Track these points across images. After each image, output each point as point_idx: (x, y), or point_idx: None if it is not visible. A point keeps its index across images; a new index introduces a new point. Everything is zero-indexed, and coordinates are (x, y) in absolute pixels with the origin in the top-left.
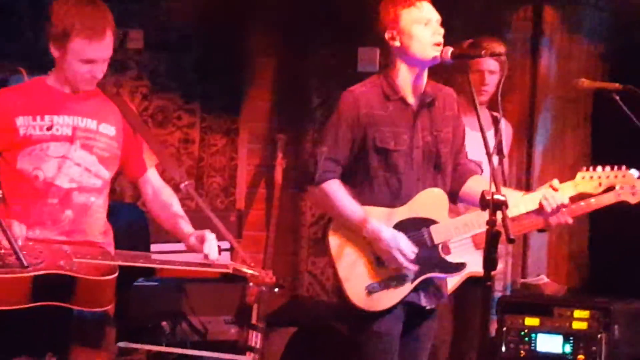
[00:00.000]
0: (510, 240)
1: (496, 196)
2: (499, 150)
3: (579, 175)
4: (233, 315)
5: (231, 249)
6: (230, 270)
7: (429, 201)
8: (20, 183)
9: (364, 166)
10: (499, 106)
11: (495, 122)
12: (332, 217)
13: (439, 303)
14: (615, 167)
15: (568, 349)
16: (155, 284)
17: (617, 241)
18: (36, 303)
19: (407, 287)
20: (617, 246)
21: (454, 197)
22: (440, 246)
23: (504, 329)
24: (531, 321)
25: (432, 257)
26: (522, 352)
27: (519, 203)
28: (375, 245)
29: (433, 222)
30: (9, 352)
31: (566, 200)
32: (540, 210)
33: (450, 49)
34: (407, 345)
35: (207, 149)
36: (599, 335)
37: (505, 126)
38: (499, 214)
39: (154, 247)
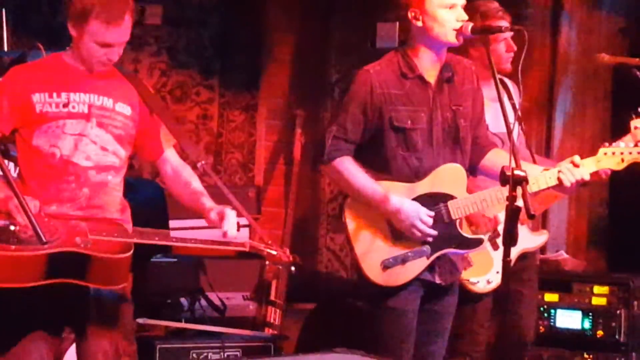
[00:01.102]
0: (531, 216)
1: (516, 172)
2: (515, 113)
3: (601, 151)
4: (251, 292)
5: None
6: (247, 249)
7: (448, 176)
8: (36, 160)
9: (382, 146)
10: (519, 80)
11: (504, 85)
12: (347, 193)
13: (454, 280)
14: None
15: (587, 324)
16: (174, 260)
17: (637, 217)
18: (51, 280)
19: (424, 263)
20: (636, 222)
21: (473, 169)
22: (457, 221)
23: None
24: (550, 297)
25: (449, 233)
26: (541, 327)
27: (538, 178)
28: (395, 219)
29: (451, 197)
30: (25, 327)
31: (587, 176)
32: (559, 185)
33: (470, 24)
34: (426, 321)
35: (225, 125)
36: (618, 311)
37: (513, 87)
38: (519, 190)
39: (172, 223)
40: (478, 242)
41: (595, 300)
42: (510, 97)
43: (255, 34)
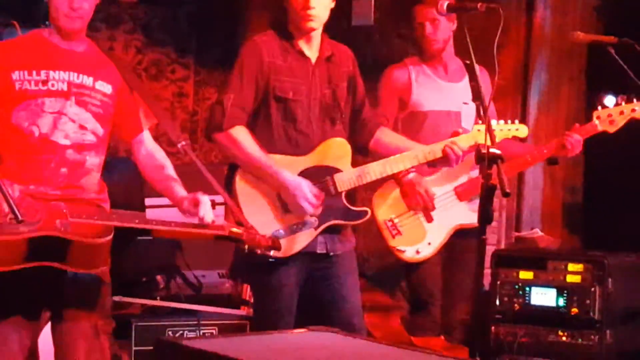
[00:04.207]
0: (505, 194)
1: (492, 150)
2: (477, 96)
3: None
4: (227, 270)
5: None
6: (226, 233)
7: (333, 151)
8: (15, 138)
9: (265, 114)
10: (495, 59)
11: (469, 69)
12: (238, 163)
13: (345, 249)
14: None
15: (562, 302)
16: (150, 238)
17: (612, 195)
18: (31, 263)
19: (312, 234)
20: (611, 199)
21: (364, 150)
22: (343, 194)
23: (498, 282)
24: (525, 274)
25: (335, 205)
26: (516, 305)
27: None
28: (285, 193)
29: (337, 170)
30: (4, 312)
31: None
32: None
33: (446, 2)
34: (327, 290)
35: (201, 102)
36: (592, 289)
37: (480, 72)
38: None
39: (148, 201)
40: (363, 214)
41: (570, 278)
42: (471, 80)
43: (231, 11)
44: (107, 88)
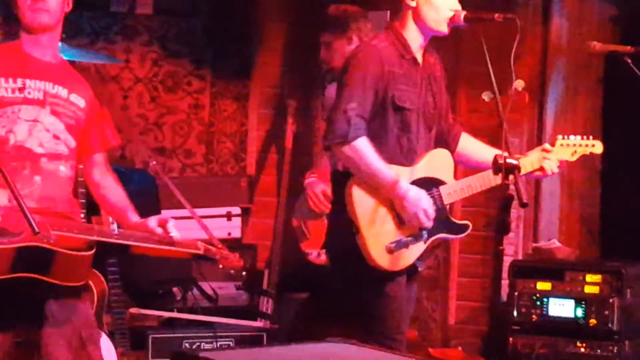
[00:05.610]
0: (523, 204)
1: (509, 160)
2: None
3: (558, 142)
4: (243, 281)
5: (242, 214)
6: (201, 251)
7: (439, 161)
8: None
9: (381, 124)
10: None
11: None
12: (357, 174)
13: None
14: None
15: (580, 313)
16: None
17: (629, 205)
18: (16, 274)
19: (421, 247)
20: (629, 210)
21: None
22: (447, 207)
23: (516, 293)
24: (543, 285)
25: (441, 218)
26: (533, 316)
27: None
28: (399, 204)
29: (442, 182)
30: None
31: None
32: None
33: (463, 13)
34: None
35: (217, 114)
36: (611, 299)
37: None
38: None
39: (164, 213)
40: (466, 228)
41: (588, 289)
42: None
43: (246, 23)
44: (80, 101)
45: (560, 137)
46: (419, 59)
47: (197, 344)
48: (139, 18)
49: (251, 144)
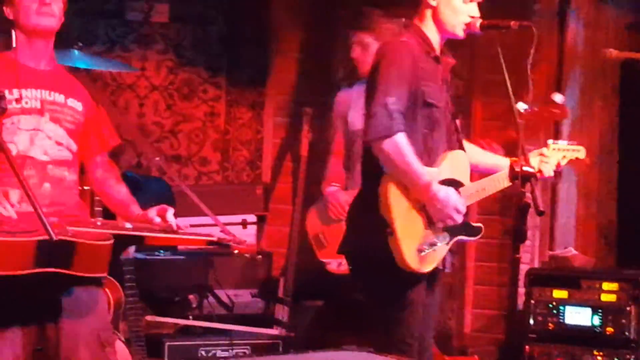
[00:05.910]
0: (540, 213)
1: (525, 168)
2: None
3: (551, 146)
4: (259, 289)
5: (258, 222)
6: (215, 238)
7: (458, 163)
8: None
9: (410, 121)
10: (528, 77)
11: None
12: (393, 171)
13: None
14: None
15: (597, 321)
16: (182, 257)
17: None
18: (39, 269)
19: (445, 249)
20: None
21: None
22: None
23: (532, 301)
24: (559, 294)
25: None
26: (550, 324)
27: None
28: (430, 205)
29: (461, 184)
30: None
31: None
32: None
33: (479, 20)
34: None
35: (233, 122)
36: (627, 308)
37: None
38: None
39: (179, 220)
40: (480, 230)
41: (605, 297)
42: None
43: (261, 30)
44: (77, 105)
45: (551, 141)
46: (439, 56)
47: (213, 351)
48: (155, 26)
49: (266, 151)
